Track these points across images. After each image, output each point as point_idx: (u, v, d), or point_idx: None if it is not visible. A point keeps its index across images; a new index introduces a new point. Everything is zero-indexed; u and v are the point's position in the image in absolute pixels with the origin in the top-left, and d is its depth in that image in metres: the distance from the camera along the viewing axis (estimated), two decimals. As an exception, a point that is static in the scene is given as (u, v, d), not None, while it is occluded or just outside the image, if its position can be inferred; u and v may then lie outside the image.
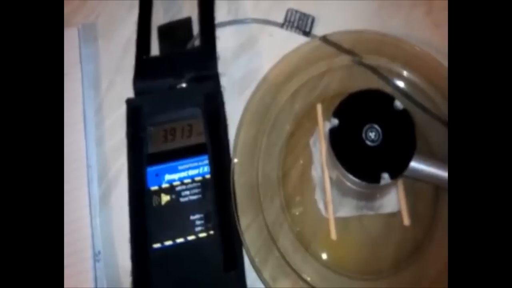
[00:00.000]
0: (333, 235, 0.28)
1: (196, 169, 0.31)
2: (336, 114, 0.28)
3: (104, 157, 0.35)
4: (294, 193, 0.31)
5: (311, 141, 0.32)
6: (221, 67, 0.36)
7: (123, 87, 0.37)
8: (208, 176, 0.30)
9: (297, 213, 0.30)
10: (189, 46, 0.37)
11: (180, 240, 0.29)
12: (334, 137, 0.28)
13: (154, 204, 0.30)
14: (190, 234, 0.29)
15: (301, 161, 0.32)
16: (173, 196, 0.30)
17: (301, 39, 0.37)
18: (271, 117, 0.33)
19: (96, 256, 0.30)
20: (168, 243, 0.29)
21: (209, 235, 0.29)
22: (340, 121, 0.28)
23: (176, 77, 0.34)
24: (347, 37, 0.35)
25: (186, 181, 0.30)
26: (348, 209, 0.29)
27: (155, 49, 0.38)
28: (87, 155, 0.34)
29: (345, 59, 0.34)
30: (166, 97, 0.34)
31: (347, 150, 0.27)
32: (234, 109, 0.34)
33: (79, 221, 0.31)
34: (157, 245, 0.29)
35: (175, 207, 0.29)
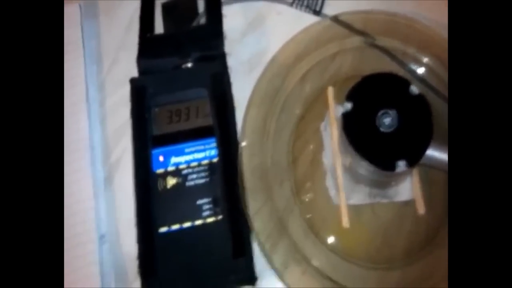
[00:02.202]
0: (345, 223, 0.28)
1: (203, 152, 0.30)
2: (349, 98, 0.27)
3: (107, 137, 0.34)
4: (305, 179, 0.30)
5: (322, 126, 0.31)
6: (228, 47, 0.34)
7: (126, 66, 0.35)
8: (215, 159, 0.29)
9: (307, 200, 0.30)
10: (194, 24, 0.36)
11: (187, 224, 0.28)
12: (347, 122, 0.27)
13: (159, 188, 0.29)
14: (197, 219, 0.28)
15: (311, 146, 0.31)
16: (179, 180, 0.29)
17: (311, 19, 0.35)
18: (280, 99, 0.32)
19: (101, 238, 0.30)
20: (175, 227, 0.28)
21: (217, 220, 0.28)
22: (354, 105, 0.27)
23: (182, 56, 0.33)
24: (359, 17, 0.34)
25: (192, 164, 0.29)
26: (360, 196, 0.28)
27: (159, 27, 0.36)
28: (90, 135, 0.33)
29: (356, 40, 0.33)
30: (171, 77, 0.32)
31: (360, 136, 0.26)
32: (241, 90, 0.33)
33: (83, 203, 0.31)
34: (163, 229, 0.28)
35: (181, 191, 0.29)
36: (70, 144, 0.32)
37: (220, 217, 0.28)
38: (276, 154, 0.31)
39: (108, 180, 0.33)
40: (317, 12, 0.36)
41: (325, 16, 0.35)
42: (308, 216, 0.29)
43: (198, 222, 0.28)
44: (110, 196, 0.32)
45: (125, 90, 0.34)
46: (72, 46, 0.36)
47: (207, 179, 0.29)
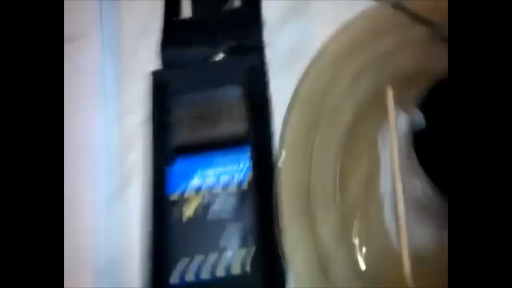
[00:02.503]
0: (407, 269, 0.22)
1: (232, 171, 0.24)
2: (422, 107, 0.22)
3: (123, 141, 0.29)
4: (356, 207, 0.24)
5: (379, 139, 0.25)
6: (265, 36, 0.29)
7: (148, 56, 0.30)
8: (246, 184, 0.24)
9: (357, 235, 0.24)
10: (226, 7, 0.30)
11: (205, 276, 0.22)
12: (419, 138, 0.21)
13: (174, 219, 0.24)
14: (219, 268, 0.22)
15: (365, 164, 0.25)
16: (199, 209, 0.24)
17: (365, 3, 0.29)
18: (327, 103, 0.26)
19: (100, 272, 0.25)
20: (189, 278, 0.22)
21: (245, 273, 0.22)
22: (427, 117, 0.21)
23: (212, 46, 0.28)
24: (425, 2, 0.27)
25: (217, 189, 0.24)
26: (428, 235, 0.22)
27: (186, 11, 0.31)
28: (103, 137, 0.28)
29: (422, 31, 0.27)
30: (199, 71, 0.27)
31: (437, 158, 0.21)
32: (279, 90, 0.28)
33: (83, 223, 0.26)
34: (175, 281, 0.22)
35: (201, 226, 0.23)
36: (78, 146, 0.28)
37: (248, 269, 0.22)
38: (320, 173, 0.25)
39: (120, 194, 0.28)
40: (374, -5, 0.30)
41: (384, 0, 0.29)
42: (358, 258, 0.24)
43: (220, 272, 0.22)
44: (118, 218, 0.27)
45: (146, 84, 0.29)
46: (88, 31, 0.32)
47: (236, 211, 0.23)
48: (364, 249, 0.24)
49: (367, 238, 0.24)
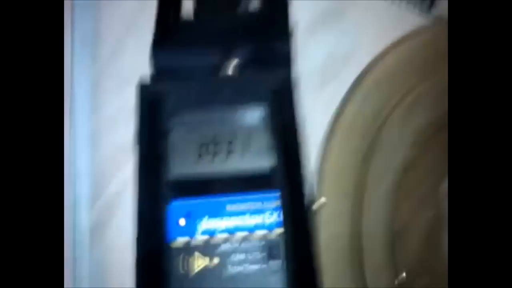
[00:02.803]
0: None
1: (258, 215, 0.18)
2: None
3: (100, 165, 0.22)
4: (418, 268, 0.18)
5: (444, 183, 0.19)
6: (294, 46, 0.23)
7: (134, 58, 0.24)
8: (278, 230, 0.17)
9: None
10: (241, 7, 0.24)
11: None
12: None
13: (180, 271, 0.17)
14: None
15: (428, 214, 0.19)
16: (215, 261, 0.17)
17: (413, 18, 0.24)
18: (376, 134, 0.20)
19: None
20: None
21: None
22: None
23: (224, 54, 0.21)
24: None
25: (238, 235, 0.17)
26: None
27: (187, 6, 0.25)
28: (73, 161, 0.21)
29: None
30: (205, 87, 0.20)
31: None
32: (309, 115, 0.21)
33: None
34: None
35: (217, 281, 0.17)
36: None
37: None
38: (369, 223, 0.19)
39: (99, 231, 0.21)
40: (426, 10, 0.24)
41: (439, 16, 0.24)
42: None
43: None
44: (100, 258, 0.20)
45: (130, 94, 0.22)
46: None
47: (264, 265, 0.17)
48: None
49: None
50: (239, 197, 0.18)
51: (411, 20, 0.24)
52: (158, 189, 0.18)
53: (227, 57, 0.22)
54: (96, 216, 0.21)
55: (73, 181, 0.21)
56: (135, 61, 0.23)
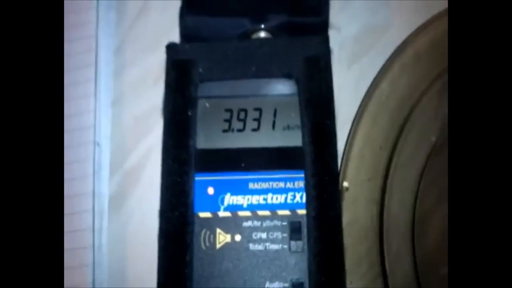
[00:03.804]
0: None
1: (283, 193, 0.18)
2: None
3: (122, 133, 0.22)
4: (439, 255, 0.18)
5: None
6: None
7: (160, 21, 0.23)
8: (302, 210, 0.17)
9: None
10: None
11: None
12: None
13: (203, 246, 0.17)
14: None
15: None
16: (238, 237, 0.17)
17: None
18: (406, 117, 0.19)
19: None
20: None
21: None
22: None
23: (256, 18, 0.20)
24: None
25: (262, 212, 0.17)
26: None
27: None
28: (96, 124, 0.21)
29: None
30: (235, 51, 0.19)
31: None
32: (339, 91, 0.20)
33: (75, 236, 0.19)
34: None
35: (240, 257, 0.17)
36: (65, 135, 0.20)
37: None
38: (395, 207, 0.19)
39: (120, 198, 0.21)
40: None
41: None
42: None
43: None
44: (121, 226, 0.20)
45: (156, 59, 0.21)
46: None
47: (286, 245, 0.17)
48: None
49: None
50: (263, 176, 0.18)
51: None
52: (185, 160, 0.18)
53: (259, 22, 0.21)
54: (117, 185, 0.21)
55: (95, 146, 0.21)
56: (160, 26, 0.22)
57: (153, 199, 0.18)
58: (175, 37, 0.21)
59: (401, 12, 0.22)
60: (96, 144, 0.21)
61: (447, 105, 0.20)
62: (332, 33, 0.20)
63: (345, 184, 0.18)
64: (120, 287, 0.20)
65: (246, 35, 0.20)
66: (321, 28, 0.20)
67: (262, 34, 0.20)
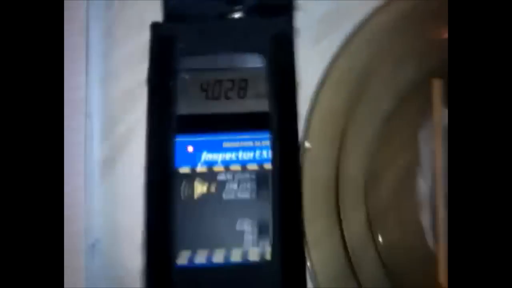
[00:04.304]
0: (443, 278, 0.20)
1: (251, 151, 0.20)
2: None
3: (112, 104, 0.24)
4: (388, 207, 0.21)
5: (421, 135, 0.22)
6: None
7: (145, 3, 0.25)
8: (268, 165, 0.20)
9: (389, 237, 0.21)
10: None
11: (218, 259, 0.19)
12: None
13: (183, 196, 0.20)
14: (234, 254, 0.19)
15: (402, 160, 0.22)
16: (213, 188, 0.20)
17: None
18: (363, 87, 0.22)
19: (92, 247, 0.21)
20: (200, 261, 0.19)
21: (263, 261, 0.19)
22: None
23: (230, 0, 0.23)
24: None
25: (233, 167, 0.20)
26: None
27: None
28: (87, 97, 0.23)
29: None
30: (212, 29, 0.22)
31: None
32: (307, 64, 0.23)
33: (69, 196, 0.22)
34: (182, 262, 0.19)
35: (214, 206, 0.20)
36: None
37: (268, 257, 0.19)
38: (350, 166, 0.21)
39: (110, 163, 0.23)
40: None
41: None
42: (389, 259, 0.21)
43: (236, 258, 0.19)
44: (109, 187, 0.23)
45: (143, 38, 0.23)
46: None
47: (254, 194, 0.20)
48: (395, 247, 0.21)
49: (399, 238, 0.21)
50: (235, 136, 0.20)
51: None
52: (167, 122, 0.20)
53: (233, 4, 0.23)
54: (108, 150, 0.24)
55: (86, 117, 0.24)
56: (144, 9, 0.24)
57: (140, 162, 0.21)
58: (159, 18, 0.23)
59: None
60: (86, 115, 0.23)
61: (401, 80, 0.23)
62: (300, 14, 0.23)
63: (307, 144, 0.21)
64: (112, 234, 0.22)
65: (222, 15, 0.23)
66: (288, 9, 0.23)
67: (236, 15, 0.23)
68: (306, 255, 0.20)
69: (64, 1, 0.25)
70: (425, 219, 0.21)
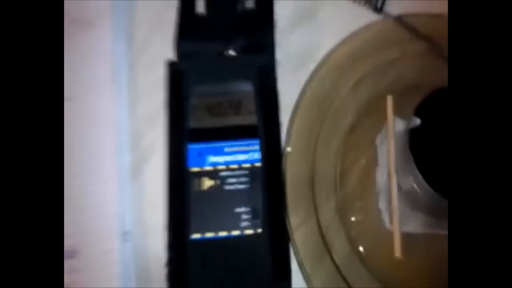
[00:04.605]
0: (398, 252, 0.25)
1: (245, 154, 0.27)
2: (418, 112, 0.24)
3: (138, 123, 0.31)
4: (354, 197, 0.27)
5: (378, 140, 0.28)
6: (276, 37, 0.31)
7: (161, 46, 0.32)
8: (258, 164, 0.26)
9: (355, 220, 0.27)
10: (239, 7, 0.32)
11: (222, 233, 0.25)
12: (415, 139, 0.24)
13: (194, 189, 0.26)
14: (234, 229, 0.25)
15: (364, 161, 0.28)
16: (217, 182, 0.26)
17: (370, 16, 0.32)
18: (331, 104, 0.29)
19: (124, 235, 0.27)
20: (209, 235, 0.25)
21: (256, 234, 0.25)
22: (423, 121, 0.24)
23: (226, 42, 0.30)
24: (426, 20, 0.30)
25: (232, 166, 0.26)
26: (416, 224, 0.26)
27: (201, 8, 0.33)
28: (117, 118, 0.29)
29: (421, 46, 0.30)
30: (213, 64, 0.29)
31: (428, 156, 0.23)
32: (286, 89, 0.30)
33: (106, 194, 0.28)
34: (196, 236, 0.25)
35: (218, 195, 0.26)
36: (94, 127, 0.29)
37: (259, 230, 0.25)
38: (323, 165, 0.28)
39: (136, 170, 0.29)
40: (378, 10, 0.32)
41: (387, 15, 0.32)
42: (355, 239, 0.26)
43: (235, 232, 0.25)
44: (138, 189, 0.29)
45: (159, 72, 0.30)
46: (101, 19, 0.33)
47: (248, 185, 0.26)
48: (360, 228, 0.27)
49: (363, 220, 0.27)
50: (233, 142, 0.27)
51: (368, 16, 0.32)
52: (181, 134, 0.27)
53: (228, 45, 0.30)
54: (135, 160, 0.30)
55: (117, 133, 0.29)
56: (160, 50, 0.31)
57: (160, 169, 0.27)
58: (172, 56, 0.30)
59: (332, 32, 0.32)
60: (117, 132, 0.30)
61: (361, 97, 0.29)
62: (280, 50, 0.30)
63: (288, 149, 0.27)
64: (138, 226, 0.28)
65: (220, 53, 0.30)
66: (270, 47, 0.30)
67: (231, 53, 0.30)
68: (290, 235, 0.26)
69: (94, 44, 0.32)
70: (382, 205, 0.27)
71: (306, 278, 0.25)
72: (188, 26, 0.30)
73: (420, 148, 0.24)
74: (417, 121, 0.24)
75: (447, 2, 0.32)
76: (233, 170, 0.26)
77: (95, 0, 0.33)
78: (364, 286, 0.25)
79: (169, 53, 0.31)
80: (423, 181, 0.23)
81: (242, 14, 0.31)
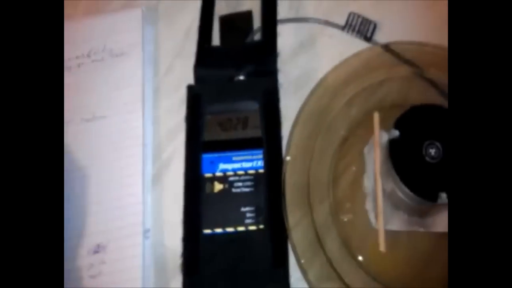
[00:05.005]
0: (382, 247, 0.29)
1: (250, 162, 0.31)
2: (397, 125, 0.28)
3: (160, 137, 0.36)
4: (344, 199, 0.31)
5: (366, 149, 0.32)
6: (279, 64, 0.36)
7: (181, 72, 0.37)
8: (261, 170, 0.31)
9: (345, 220, 0.31)
10: (248, 39, 0.38)
11: (230, 229, 0.30)
12: (394, 148, 0.28)
13: (207, 191, 0.31)
14: (240, 225, 0.30)
15: (354, 168, 0.32)
16: (226, 186, 0.31)
17: (361, 45, 0.37)
18: (326, 120, 0.33)
19: (145, 233, 0.32)
20: (219, 230, 0.30)
21: (258, 229, 0.29)
22: (401, 133, 0.28)
23: (236, 69, 0.35)
24: (409, 47, 0.35)
25: (239, 172, 0.31)
26: (398, 222, 0.29)
27: (215, 39, 0.38)
28: (144, 133, 0.35)
29: (405, 70, 0.34)
30: (225, 87, 0.34)
31: (406, 163, 0.27)
32: (288, 107, 0.34)
33: (132, 197, 0.33)
34: (208, 231, 0.30)
35: (227, 196, 0.30)
36: (124, 140, 0.34)
37: (261, 226, 0.30)
38: (318, 172, 0.32)
39: (157, 177, 0.35)
40: (368, 39, 0.37)
41: (376, 43, 0.37)
42: (345, 235, 0.30)
43: (241, 228, 0.30)
44: (157, 193, 0.34)
45: (180, 94, 0.36)
46: (132, 49, 0.38)
47: (252, 188, 0.31)
48: (350, 226, 0.30)
49: (353, 219, 0.31)
50: (240, 152, 0.32)
51: (359, 44, 0.36)
52: (197, 146, 0.32)
53: (238, 71, 0.35)
54: (157, 169, 0.35)
55: (143, 146, 0.35)
56: (181, 74, 0.37)
57: (178, 177, 0.32)
58: (191, 81, 0.35)
59: (326, 63, 0.36)
60: (143, 145, 0.35)
61: (352, 114, 0.33)
62: (282, 75, 0.35)
63: (288, 158, 0.32)
64: (158, 225, 0.33)
65: (231, 78, 0.35)
66: (274, 73, 0.35)
67: (241, 77, 0.35)
68: (289, 233, 0.30)
69: (126, 71, 0.38)
70: (369, 206, 0.31)
71: (303, 271, 0.29)
72: (205, 55, 0.36)
73: (399, 156, 0.27)
74: (396, 133, 0.28)
75: (428, 31, 0.37)
76: (240, 175, 0.31)
77: (127, 33, 0.39)
78: (353, 277, 0.28)
79: (189, 78, 0.36)
80: (401, 185, 0.27)
81: (250, 45, 0.37)
